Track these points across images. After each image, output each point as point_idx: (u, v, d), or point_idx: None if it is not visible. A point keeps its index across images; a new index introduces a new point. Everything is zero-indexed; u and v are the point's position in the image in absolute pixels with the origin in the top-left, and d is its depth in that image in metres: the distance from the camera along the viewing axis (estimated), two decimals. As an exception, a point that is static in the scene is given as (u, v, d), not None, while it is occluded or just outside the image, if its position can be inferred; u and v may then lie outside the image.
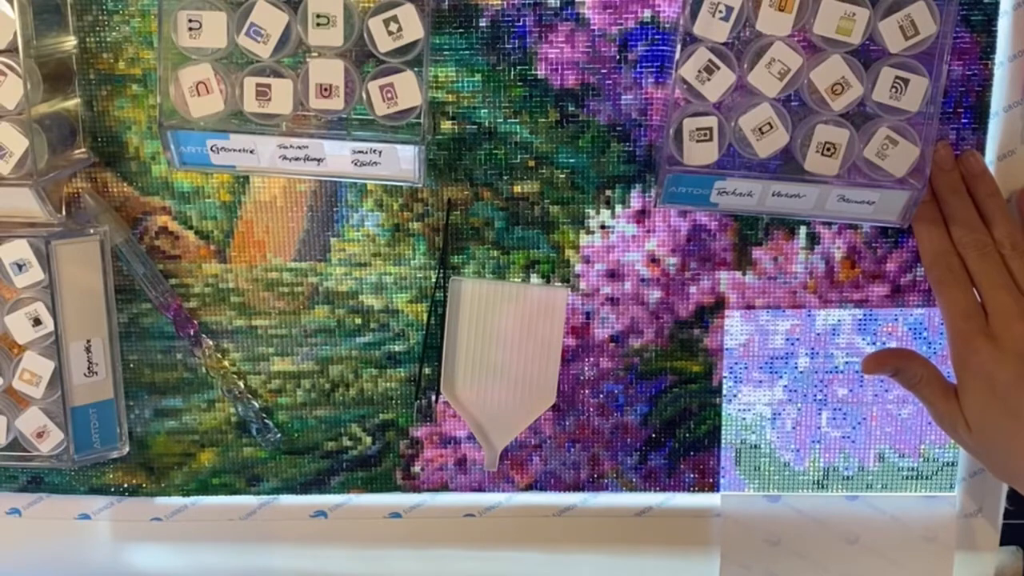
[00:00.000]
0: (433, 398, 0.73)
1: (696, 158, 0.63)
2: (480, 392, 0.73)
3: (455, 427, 0.74)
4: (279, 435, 0.74)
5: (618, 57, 0.67)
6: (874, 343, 0.71)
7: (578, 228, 0.70)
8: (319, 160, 0.64)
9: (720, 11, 0.60)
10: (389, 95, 0.63)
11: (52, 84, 0.66)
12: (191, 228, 0.71)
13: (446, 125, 0.69)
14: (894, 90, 0.61)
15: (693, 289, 0.71)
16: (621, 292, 0.71)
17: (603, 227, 0.70)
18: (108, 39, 0.67)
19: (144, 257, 0.71)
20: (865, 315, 0.71)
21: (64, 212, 0.69)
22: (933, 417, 0.67)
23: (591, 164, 0.69)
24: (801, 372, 0.73)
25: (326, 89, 0.62)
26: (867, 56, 0.62)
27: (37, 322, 0.68)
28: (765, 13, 0.61)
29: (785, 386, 0.73)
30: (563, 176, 0.69)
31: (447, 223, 0.70)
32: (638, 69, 0.67)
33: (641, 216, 0.70)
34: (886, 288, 0.71)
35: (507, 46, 0.67)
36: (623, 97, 0.68)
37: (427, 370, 0.73)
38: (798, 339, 0.72)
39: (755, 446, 0.74)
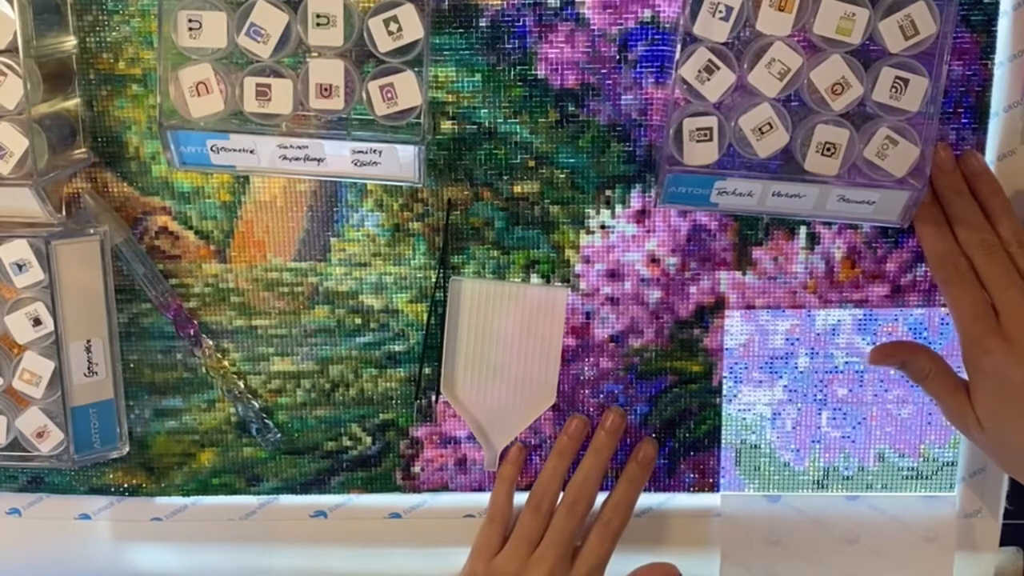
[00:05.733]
0: (433, 398, 0.73)
1: (696, 158, 0.63)
2: (480, 392, 0.73)
3: (455, 427, 0.74)
4: (279, 435, 0.74)
5: (618, 57, 0.67)
6: (874, 343, 0.71)
7: (578, 228, 0.70)
8: (319, 160, 0.64)
9: (720, 11, 0.60)
10: (389, 95, 0.63)
11: (52, 84, 0.66)
12: (191, 228, 0.71)
13: (446, 125, 0.69)
14: (894, 90, 0.61)
15: (693, 289, 0.71)
16: (621, 292, 0.71)
17: (603, 227, 0.70)
18: (108, 39, 0.67)
19: (144, 257, 0.71)
20: (865, 315, 0.71)
21: (64, 212, 0.70)
22: (943, 412, 0.67)
23: (591, 164, 0.69)
24: (801, 372, 0.73)
25: (326, 89, 0.62)
26: (867, 56, 0.62)
27: (37, 322, 0.68)
28: (765, 13, 0.61)
29: (785, 386, 0.73)
30: (563, 176, 0.69)
31: (447, 223, 0.70)
32: (638, 69, 0.67)
33: (641, 216, 0.70)
34: (886, 288, 0.71)
35: (507, 46, 0.67)
36: (623, 97, 0.68)
37: (427, 370, 0.73)
38: (798, 339, 0.72)
39: (755, 446, 0.74)
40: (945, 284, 0.66)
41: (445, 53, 0.67)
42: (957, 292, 0.65)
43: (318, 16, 0.61)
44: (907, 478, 0.74)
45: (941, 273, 0.66)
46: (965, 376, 0.65)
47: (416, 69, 0.62)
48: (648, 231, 0.70)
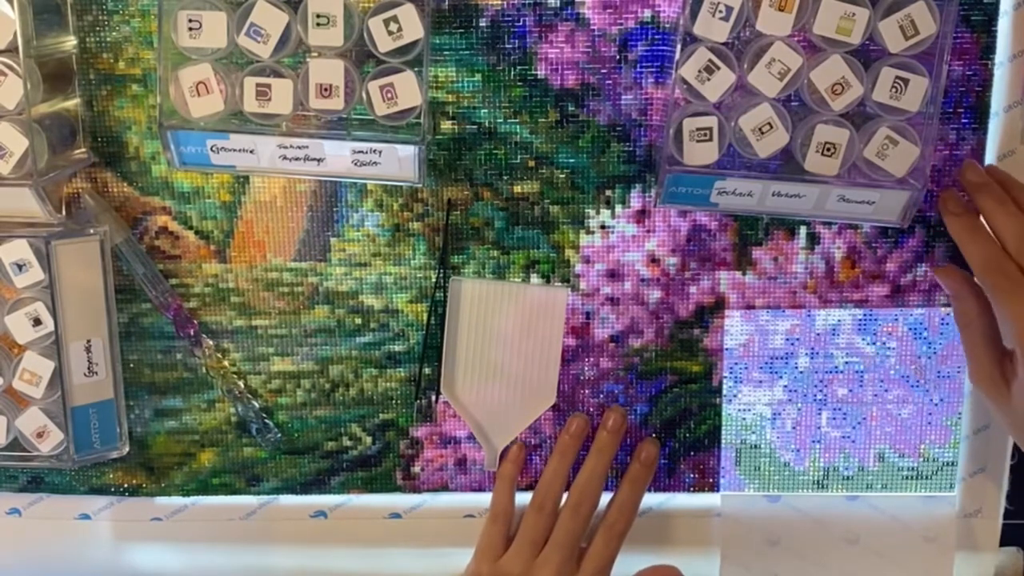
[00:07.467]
0: (433, 398, 0.73)
1: (696, 158, 0.63)
2: (480, 392, 0.73)
3: (455, 427, 0.74)
4: (279, 435, 0.74)
5: (618, 57, 0.67)
6: (874, 343, 0.72)
7: (578, 228, 0.70)
8: (319, 160, 0.64)
9: (720, 11, 0.60)
10: (389, 95, 0.63)
11: (52, 84, 0.66)
12: (191, 228, 0.71)
13: (446, 125, 0.69)
14: (894, 90, 0.61)
15: (693, 289, 0.71)
16: (621, 292, 0.71)
17: (603, 227, 0.70)
18: (108, 39, 0.67)
19: (144, 257, 0.71)
20: (865, 315, 0.71)
21: (64, 212, 0.70)
22: (969, 367, 0.67)
23: (591, 164, 0.69)
24: (801, 372, 0.73)
25: (326, 89, 0.62)
26: (867, 56, 0.62)
27: (37, 322, 0.68)
28: (765, 13, 0.61)
29: (785, 386, 0.73)
30: (563, 176, 0.69)
31: (447, 223, 0.70)
32: (638, 69, 0.67)
33: (641, 216, 0.70)
34: (886, 288, 0.71)
35: (507, 46, 0.67)
36: (623, 97, 0.68)
37: (427, 370, 0.73)
38: (798, 339, 0.72)
39: (755, 446, 0.74)
40: (995, 291, 0.64)
41: (445, 53, 0.67)
42: (1011, 299, 0.63)
43: (318, 16, 0.61)
44: (907, 478, 0.74)
45: (990, 279, 0.64)
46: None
47: (416, 69, 0.62)
48: (648, 231, 0.70)
